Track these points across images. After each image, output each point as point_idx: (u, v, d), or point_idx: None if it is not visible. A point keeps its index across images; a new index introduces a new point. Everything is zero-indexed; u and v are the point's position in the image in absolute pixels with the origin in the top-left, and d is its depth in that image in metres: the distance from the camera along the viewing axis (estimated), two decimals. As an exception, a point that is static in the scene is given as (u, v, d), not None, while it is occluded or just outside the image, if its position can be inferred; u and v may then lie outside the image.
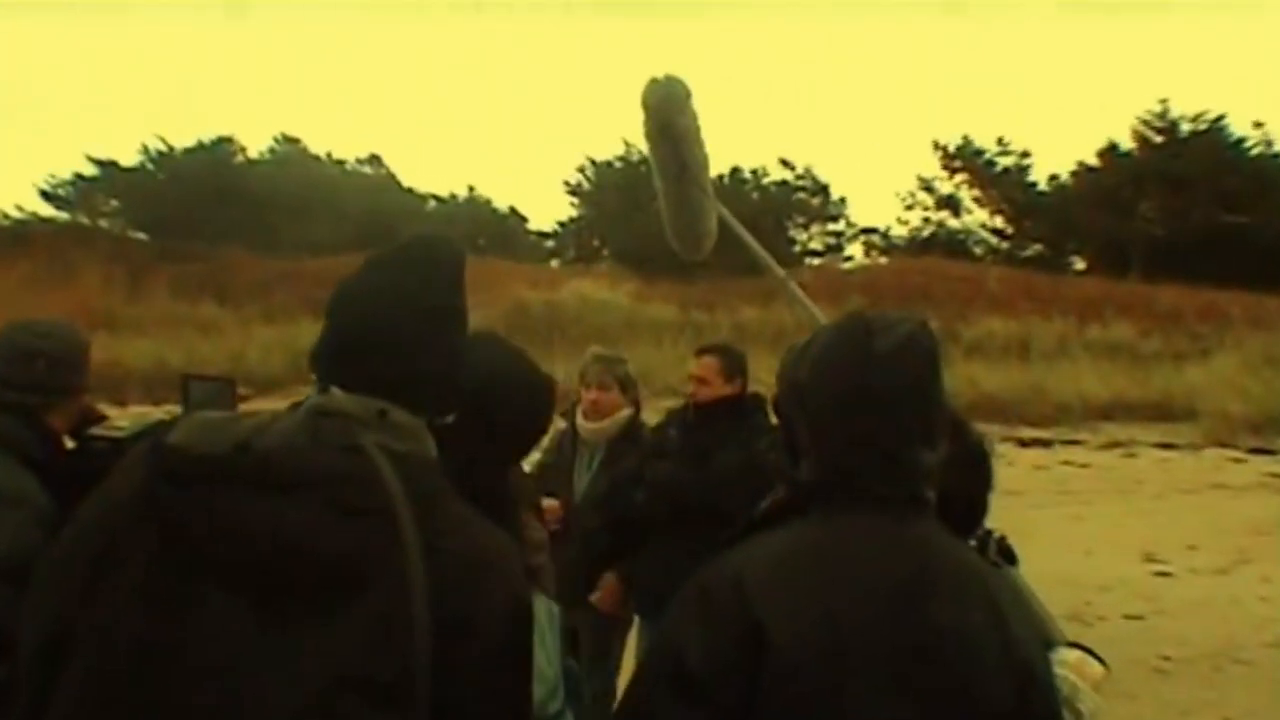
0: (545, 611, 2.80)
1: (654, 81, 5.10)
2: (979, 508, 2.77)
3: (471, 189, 60.19)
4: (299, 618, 1.85)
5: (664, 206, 5.39)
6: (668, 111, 5.14)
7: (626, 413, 6.50)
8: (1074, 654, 2.55)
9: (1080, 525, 16.92)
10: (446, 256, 2.22)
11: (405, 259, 2.19)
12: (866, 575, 2.15)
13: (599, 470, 6.47)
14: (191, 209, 48.50)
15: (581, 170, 56.45)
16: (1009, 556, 2.77)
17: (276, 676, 1.82)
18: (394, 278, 2.15)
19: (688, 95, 5.17)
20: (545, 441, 6.61)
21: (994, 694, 2.11)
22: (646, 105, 5.16)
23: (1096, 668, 2.55)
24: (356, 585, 1.87)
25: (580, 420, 6.48)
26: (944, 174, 54.07)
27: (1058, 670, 2.36)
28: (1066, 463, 24.06)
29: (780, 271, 5.59)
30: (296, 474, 1.91)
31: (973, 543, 2.64)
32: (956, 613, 2.14)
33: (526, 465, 4.08)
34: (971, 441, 2.75)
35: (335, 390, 2.09)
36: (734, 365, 6.21)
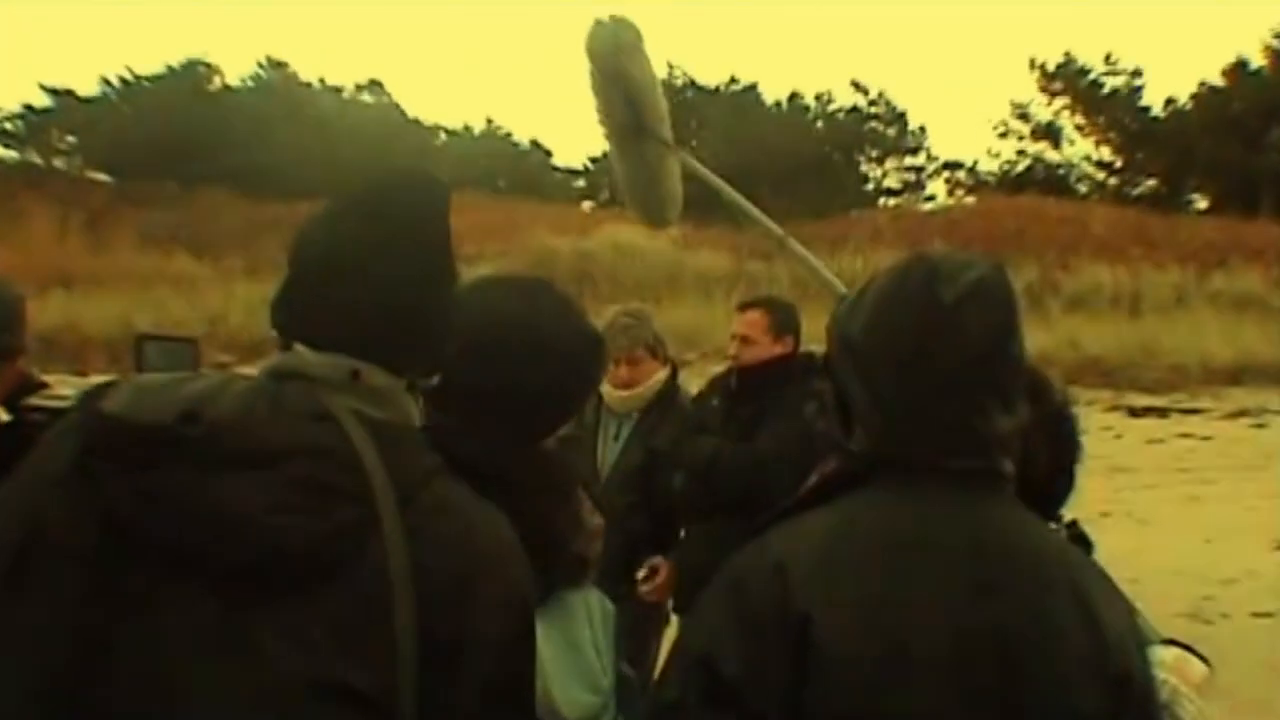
0: (600, 609, 2.79)
1: (598, 25, 5.11)
2: (1064, 483, 2.74)
3: (489, 121, 60.38)
4: (261, 615, 1.85)
5: (619, 169, 5.40)
6: (617, 60, 5.15)
7: (661, 375, 6.50)
8: (1172, 652, 2.52)
9: (1201, 508, 16.83)
10: (428, 192, 2.20)
11: (380, 194, 2.17)
12: (931, 562, 2.13)
13: (630, 440, 6.48)
14: (161, 145, 48.57)
15: (615, 97, 56.41)
16: (1083, 545, 2.74)
17: (239, 681, 1.82)
18: (367, 216, 2.13)
19: (638, 38, 5.18)
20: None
21: (1082, 700, 2.10)
22: (592, 54, 5.17)
23: (1199, 668, 2.52)
24: (328, 576, 1.87)
25: (606, 387, 6.43)
26: (1042, 98, 53.87)
27: (1154, 672, 2.33)
28: (1185, 435, 23.90)
29: (776, 228, 5.58)
30: (254, 447, 1.88)
31: (1053, 526, 2.61)
32: (1038, 606, 2.13)
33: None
34: (1055, 404, 2.72)
35: (300, 347, 2.07)
36: (783, 320, 6.21)
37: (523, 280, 2.70)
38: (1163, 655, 2.48)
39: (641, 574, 6.19)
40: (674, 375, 6.60)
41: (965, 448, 2.22)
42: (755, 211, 5.55)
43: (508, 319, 2.51)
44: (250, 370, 2.18)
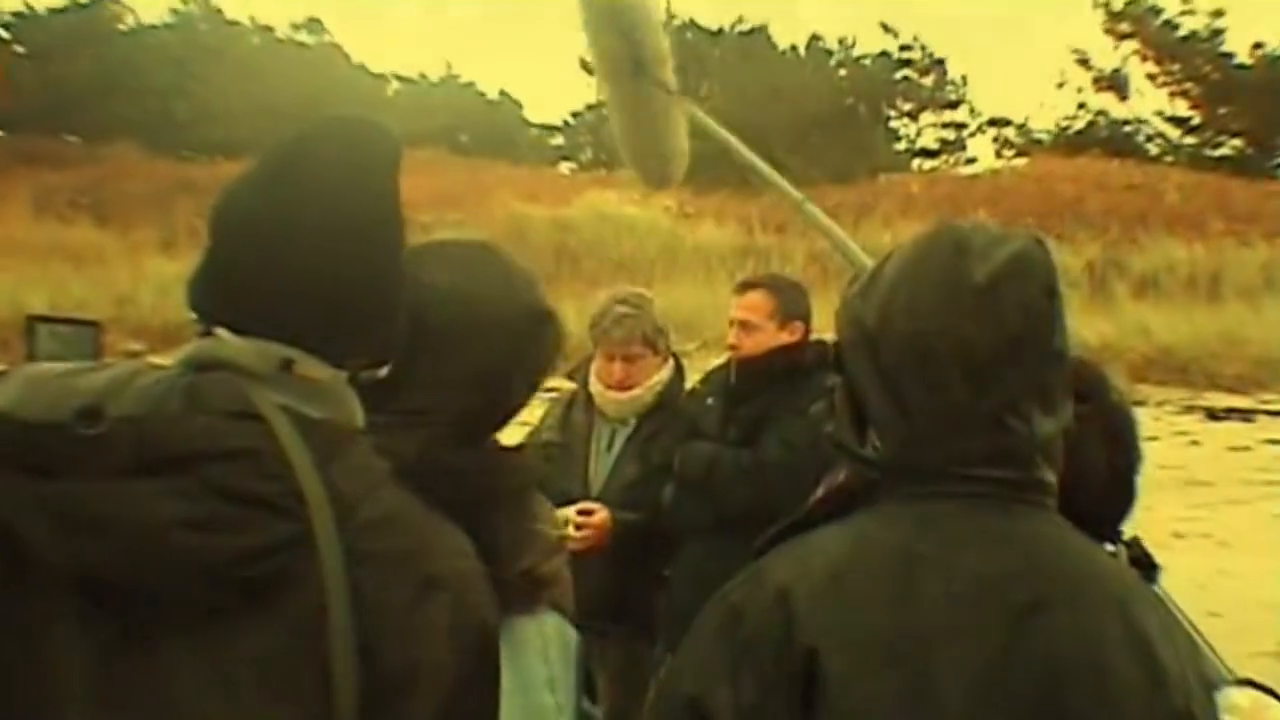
0: (558, 638, 2.77)
1: None
2: (1123, 496, 2.75)
3: (449, 68, 60.29)
4: (171, 647, 1.85)
5: (615, 118, 5.40)
6: None
7: (663, 375, 6.37)
8: (1248, 695, 2.52)
9: (1293, 528, 16.78)
10: (373, 146, 2.18)
11: (316, 149, 2.14)
12: (957, 587, 2.13)
13: (625, 451, 6.35)
14: (61, 94, 48.44)
15: (601, 42, 56.41)
16: (1146, 568, 2.74)
17: None
18: (302, 177, 2.10)
19: None
20: (544, 413, 6.55)
21: None
22: None
23: (1279, 712, 2.54)
24: (251, 602, 1.87)
25: (598, 388, 6.34)
26: (1107, 41, 53.75)
27: (1226, 718, 2.35)
28: (1273, 441, 23.87)
29: (795, 192, 5.58)
30: (165, 450, 1.85)
31: (1109, 548, 2.61)
32: (1083, 638, 2.13)
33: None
34: (1110, 402, 2.72)
35: (223, 333, 2.05)
36: (790, 303, 6.14)
37: (458, 244, 2.67)
38: (1236, 699, 2.48)
39: (575, 514, 5.91)
40: (679, 374, 6.49)
41: (998, 454, 2.21)
42: (770, 172, 5.55)
43: (439, 292, 2.46)
44: (163, 359, 2.17)
